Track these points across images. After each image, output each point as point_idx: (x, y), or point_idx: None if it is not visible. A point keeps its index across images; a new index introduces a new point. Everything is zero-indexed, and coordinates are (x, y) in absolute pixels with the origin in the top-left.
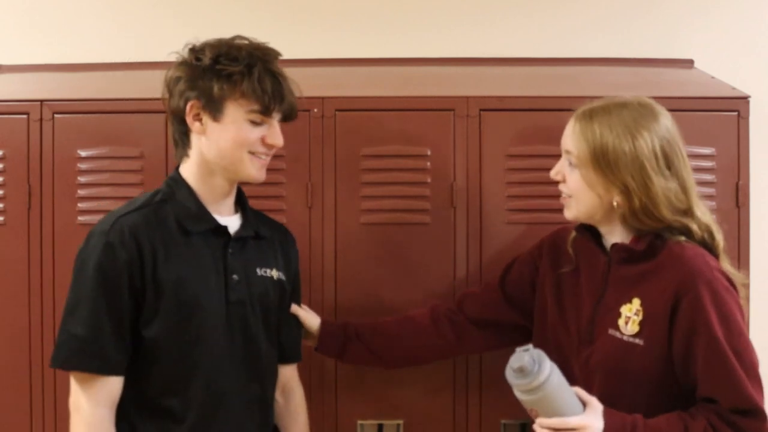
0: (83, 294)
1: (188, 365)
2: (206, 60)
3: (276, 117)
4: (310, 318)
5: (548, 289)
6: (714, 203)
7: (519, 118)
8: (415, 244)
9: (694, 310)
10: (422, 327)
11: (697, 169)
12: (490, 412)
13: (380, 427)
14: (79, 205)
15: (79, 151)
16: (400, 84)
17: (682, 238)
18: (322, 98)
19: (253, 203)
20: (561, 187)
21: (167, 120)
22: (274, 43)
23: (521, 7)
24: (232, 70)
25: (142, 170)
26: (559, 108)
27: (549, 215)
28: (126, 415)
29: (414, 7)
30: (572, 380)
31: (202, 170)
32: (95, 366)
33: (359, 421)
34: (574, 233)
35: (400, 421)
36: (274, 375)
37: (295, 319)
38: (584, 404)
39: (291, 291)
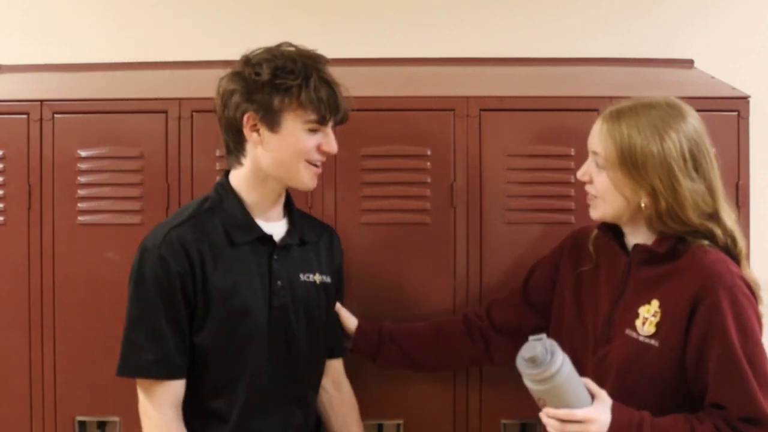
0: (144, 305)
1: (235, 368)
2: (265, 75)
3: (331, 124)
4: (349, 319)
5: (568, 287)
6: None
7: (519, 118)
8: (415, 244)
9: (712, 314)
10: (455, 333)
11: None
12: (490, 412)
13: (380, 427)
14: (79, 205)
15: (79, 151)
16: (400, 84)
17: (706, 243)
18: None
19: None
20: (588, 188)
21: (219, 129)
22: (274, 44)
23: (521, 7)
24: (290, 84)
25: (142, 170)
26: (559, 108)
27: (549, 215)
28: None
29: (414, 7)
30: (584, 377)
31: (254, 177)
32: (161, 372)
33: None
34: (596, 232)
35: (400, 421)
36: (315, 375)
37: (338, 317)
38: (593, 396)
39: (335, 290)
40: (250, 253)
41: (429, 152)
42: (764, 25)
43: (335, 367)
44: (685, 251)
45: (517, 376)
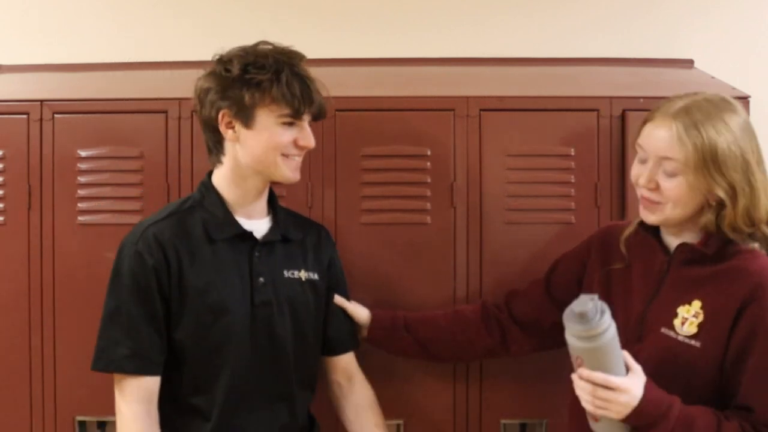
0: (119, 300)
1: (214, 366)
2: (235, 71)
3: (306, 119)
4: (358, 310)
5: (596, 285)
6: None
7: (519, 118)
8: (415, 244)
9: (758, 317)
10: (471, 323)
11: None
12: (490, 412)
13: None
14: (79, 205)
15: (79, 151)
16: (400, 84)
17: (756, 245)
18: None
19: None
20: (649, 194)
21: (200, 128)
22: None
23: (521, 7)
24: (260, 78)
25: (142, 170)
26: (559, 108)
27: (549, 215)
28: (161, 411)
29: (414, 7)
30: None
31: (235, 175)
32: (133, 367)
33: None
34: (629, 230)
35: (400, 421)
36: (305, 374)
37: (344, 311)
38: (628, 370)
39: (329, 287)
40: (229, 251)
41: (429, 152)
42: (764, 25)
43: (346, 361)
44: (733, 253)
45: (518, 376)
